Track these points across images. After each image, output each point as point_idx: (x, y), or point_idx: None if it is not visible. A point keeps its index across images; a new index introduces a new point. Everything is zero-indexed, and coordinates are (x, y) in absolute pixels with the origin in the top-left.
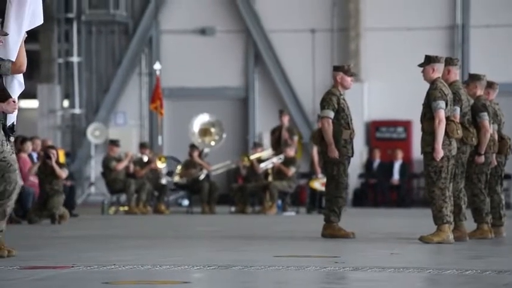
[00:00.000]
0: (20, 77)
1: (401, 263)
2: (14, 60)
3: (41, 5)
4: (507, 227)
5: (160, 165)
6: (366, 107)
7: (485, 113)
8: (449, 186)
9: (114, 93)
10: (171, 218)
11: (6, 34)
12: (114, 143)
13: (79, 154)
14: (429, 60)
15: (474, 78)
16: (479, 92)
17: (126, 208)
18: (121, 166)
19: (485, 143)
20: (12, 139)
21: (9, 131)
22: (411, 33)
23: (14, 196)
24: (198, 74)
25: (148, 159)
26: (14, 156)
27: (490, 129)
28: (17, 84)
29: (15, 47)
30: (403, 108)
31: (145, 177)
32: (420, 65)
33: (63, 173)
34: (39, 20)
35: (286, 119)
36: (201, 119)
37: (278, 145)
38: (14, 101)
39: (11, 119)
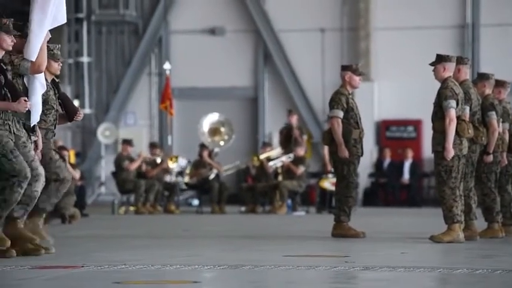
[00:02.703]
0: (41, 77)
1: (411, 263)
2: (34, 60)
3: (64, 3)
4: None
5: (172, 165)
6: (376, 107)
7: (494, 112)
8: (459, 185)
9: (124, 93)
10: (181, 218)
11: (17, 34)
12: (127, 142)
13: (89, 154)
14: (440, 59)
15: (482, 77)
16: (488, 91)
17: (134, 208)
18: (133, 166)
19: (493, 142)
20: (33, 138)
21: (29, 130)
22: (421, 33)
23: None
24: (208, 74)
25: (162, 160)
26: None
27: (498, 128)
28: (38, 85)
29: (36, 47)
30: (413, 107)
31: (155, 178)
32: (431, 64)
33: (77, 174)
34: (63, 19)
35: (294, 119)
36: (210, 119)
37: (287, 144)
38: (25, 100)
39: (35, 119)
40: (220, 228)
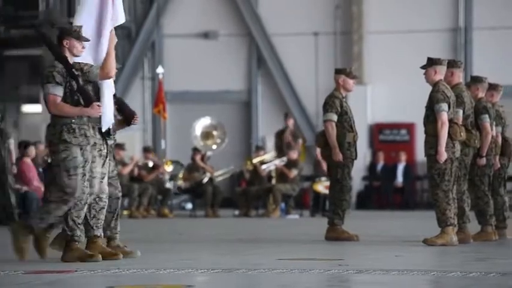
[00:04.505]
0: (110, 82)
1: (405, 266)
2: (93, 63)
3: (121, 2)
4: (511, 229)
5: (168, 169)
6: (369, 110)
7: (486, 115)
8: (452, 188)
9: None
10: (175, 222)
11: (87, 40)
12: (119, 146)
13: None
14: (431, 63)
15: (476, 80)
16: (481, 94)
17: (128, 212)
18: (126, 170)
19: (486, 145)
20: (110, 142)
21: (105, 134)
22: (414, 36)
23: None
24: (201, 78)
25: (154, 164)
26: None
27: (492, 131)
28: (106, 88)
29: (96, 49)
30: (406, 110)
31: (150, 182)
32: (422, 67)
33: None
34: (122, 18)
35: (290, 122)
36: (202, 122)
37: (283, 147)
38: (98, 105)
39: (107, 123)
40: (214, 232)
